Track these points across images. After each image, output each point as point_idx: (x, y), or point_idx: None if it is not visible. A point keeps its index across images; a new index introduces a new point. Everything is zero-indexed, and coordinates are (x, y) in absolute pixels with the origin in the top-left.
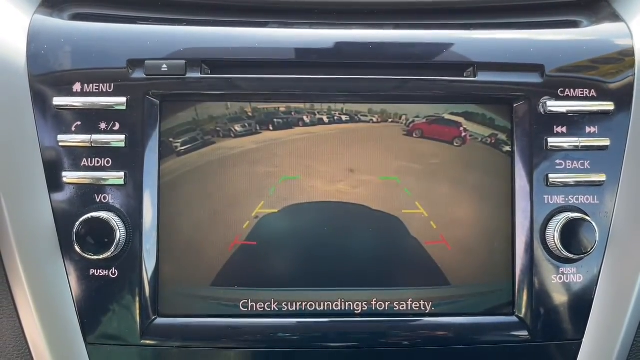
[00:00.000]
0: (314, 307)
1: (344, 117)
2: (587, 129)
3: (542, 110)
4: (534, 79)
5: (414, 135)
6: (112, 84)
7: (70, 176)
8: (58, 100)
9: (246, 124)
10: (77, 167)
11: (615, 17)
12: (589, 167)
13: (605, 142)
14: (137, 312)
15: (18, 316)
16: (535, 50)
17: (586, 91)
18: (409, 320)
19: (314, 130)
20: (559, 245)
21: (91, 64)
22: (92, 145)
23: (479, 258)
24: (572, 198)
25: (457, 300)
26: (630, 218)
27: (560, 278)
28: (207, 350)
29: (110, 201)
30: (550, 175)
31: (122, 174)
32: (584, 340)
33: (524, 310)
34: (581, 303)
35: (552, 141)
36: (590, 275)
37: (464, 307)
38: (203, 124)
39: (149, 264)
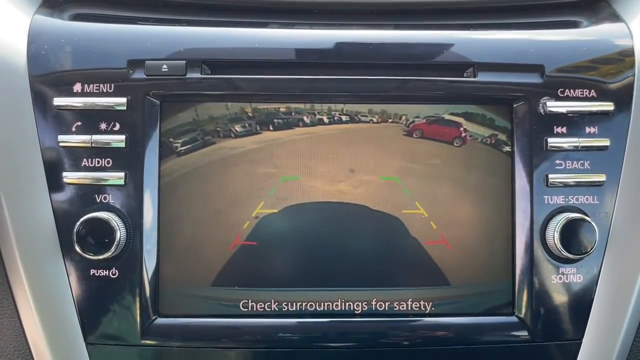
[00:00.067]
0: (314, 307)
1: (344, 118)
2: (587, 129)
3: (542, 111)
4: (533, 79)
5: (414, 136)
6: (113, 85)
7: (70, 176)
8: (58, 101)
9: (246, 124)
10: (77, 167)
11: (615, 18)
12: (588, 168)
13: (605, 142)
14: (138, 312)
15: (18, 316)
16: (535, 50)
17: (586, 91)
18: (409, 321)
19: (314, 131)
20: (559, 246)
21: (91, 65)
22: (93, 145)
23: (479, 258)
24: (572, 198)
25: (457, 300)
26: (630, 218)
27: (560, 278)
28: (208, 350)
29: (110, 201)
30: (550, 176)
31: (122, 174)
32: (583, 340)
33: (523, 310)
34: (581, 303)
35: (552, 141)
36: (590, 276)
37: (464, 307)
38: (203, 124)
39: (149, 264)
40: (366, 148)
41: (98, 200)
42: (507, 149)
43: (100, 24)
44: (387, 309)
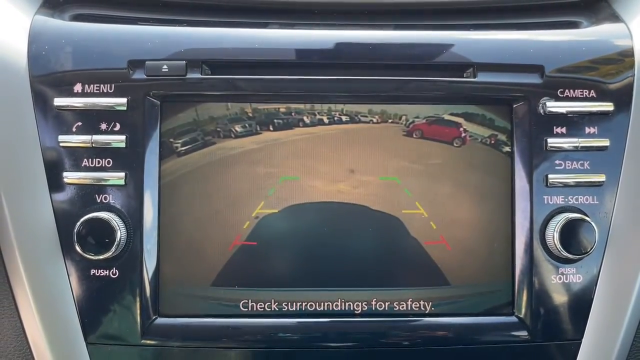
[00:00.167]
0: (314, 307)
1: (344, 118)
2: (587, 130)
3: (541, 111)
4: (533, 79)
5: (414, 136)
6: (113, 85)
7: (71, 176)
8: (59, 101)
9: (246, 125)
10: (77, 168)
11: (615, 18)
12: (588, 168)
13: (605, 142)
14: (138, 312)
15: (19, 316)
16: (535, 50)
17: (586, 92)
18: (409, 321)
19: (314, 131)
20: (559, 246)
21: (92, 65)
22: (93, 145)
23: (479, 258)
24: (572, 198)
25: (456, 300)
26: (630, 218)
27: (560, 278)
28: (208, 350)
29: (110, 201)
30: (550, 176)
31: (122, 174)
32: (583, 340)
33: (523, 310)
34: (581, 303)
35: (552, 142)
36: (589, 276)
37: (463, 307)
38: (203, 124)
39: (149, 264)
40: (366, 148)
41: (98, 200)
42: (507, 149)
43: (100, 24)
44: (387, 309)
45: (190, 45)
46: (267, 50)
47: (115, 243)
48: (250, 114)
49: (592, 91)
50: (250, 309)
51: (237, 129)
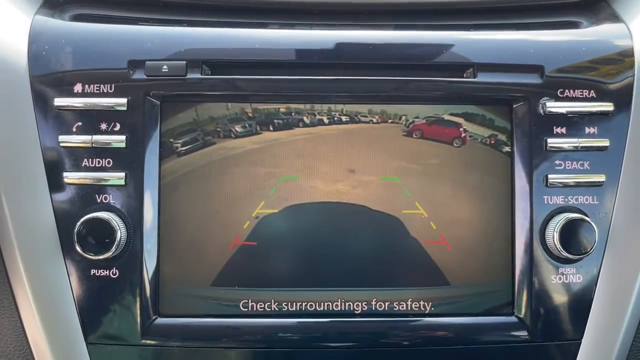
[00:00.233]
0: (314, 307)
1: (344, 118)
2: (587, 130)
3: (541, 111)
4: (533, 79)
5: (414, 136)
6: (113, 85)
7: (71, 176)
8: (59, 101)
9: (246, 125)
10: (78, 168)
11: (615, 18)
12: (588, 168)
13: (605, 142)
14: (138, 312)
15: (19, 316)
16: (535, 51)
17: (586, 92)
18: (409, 321)
19: (314, 131)
20: (559, 246)
21: (92, 65)
22: (93, 145)
23: (479, 258)
24: (572, 198)
25: (456, 300)
26: (630, 218)
27: (560, 278)
28: (208, 350)
29: (111, 201)
30: (550, 176)
31: (122, 174)
32: (583, 340)
33: (523, 310)
34: (581, 303)
35: (552, 142)
36: (589, 276)
37: (463, 307)
38: (203, 124)
39: (149, 264)
40: (366, 148)
41: (98, 200)
42: (507, 149)
43: (100, 24)
44: (386, 309)
45: (190, 45)
46: (267, 51)
47: (116, 243)
48: (250, 114)
49: (592, 91)
50: (250, 309)
51: (237, 129)
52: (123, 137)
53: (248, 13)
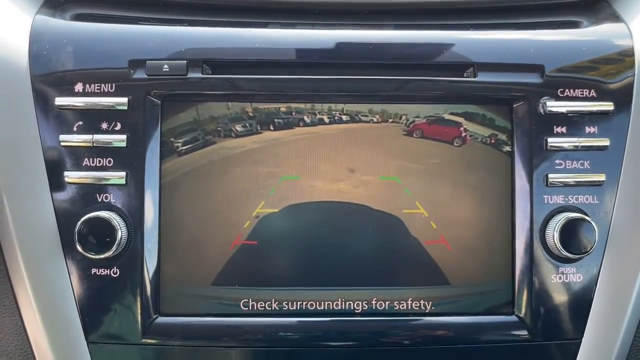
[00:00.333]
0: (314, 307)
1: (344, 117)
2: (587, 129)
3: (541, 111)
4: (533, 79)
5: (414, 136)
6: (114, 84)
7: (72, 176)
8: (60, 100)
9: (247, 124)
10: (78, 167)
11: (615, 18)
12: (588, 167)
13: (605, 142)
14: (139, 311)
15: (20, 315)
16: (535, 50)
17: (586, 91)
18: (409, 320)
19: (315, 130)
20: (559, 245)
21: (93, 64)
22: (94, 145)
23: (479, 258)
24: (572, 198)
25: (457, 299)
26: (630, 218)
27: (560, 278)
28: (208, 349)
29: (111, 201)
30: (550, 175)
31: (123, 173)
32: (583, 339)
33: (523, 309)
34: (581, 303)
35: (552, 141)
36: (589, 275)
37: (463, 306)
38: (204, 124)
39: (150, 263)
40: (366, 148)
41: (99, 200)
42: (507, 148)
43: (101, 24)
44: (387, 308)
45: (191, 44)
46: (267, 50)
47: (116, 242)
48: (251, 114)
49: (592, 91)
50: (250, 308)
51: (237, 128)
52: (124, 137)
53: (249, 13)
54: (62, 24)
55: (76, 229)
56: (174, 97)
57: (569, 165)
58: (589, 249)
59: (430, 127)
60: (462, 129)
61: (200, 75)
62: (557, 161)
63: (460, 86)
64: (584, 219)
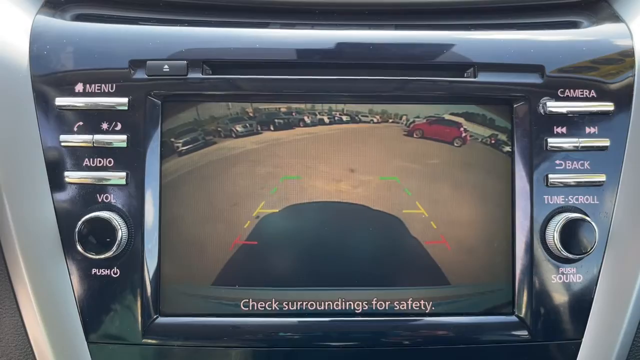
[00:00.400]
0: (314, 307)
1: (344, 118)
2: (587, 130)
3: (542, 111)
4: (534, 79)
5: (415, 136)
6: (114, 85)
7: (72, 176)
8: (60, 101)
9: (247, 124)
10: (79, 167)
11: (616, 18)
12: (588, 168)
13: (605, 142)
14: (139, 311)
15: (20, 315)
16: (536, 50)
17: (586, 92)
18: (410, 320)
19: (315, 131)
20: (559, 245)
21: (93, 65)
22: (94, 145)
23: (479, 258)
24: (572, 198)
25: (457, 299)
26: (630, 218)
27: (560, 278)
28: (208, 349)
29: (112, 201)
30: (550, 176)
31: (123, 173)
32: (583, 340)
33: (523, 310)
34: (581, 303)
35: (552, 141)
36: (590, 275)
37: (464, 306)
38: (204, 124)
39: (150, 264)
40: (366, 148)
41: (100, 200)
42: (507, 149)
43: (102, 24)
44: (387, 308)
45: (191, 45)
46: (267, 50)
47: (117, 242)
48: (251, 114)
49: (592, 91)
50: (250, 308)
51: (237, 128)
52: (124, 137)
53: (249, 13)
54: (62, 24)
55: (76, 229)
56: (174, 98)
57: (569, 166)
58: (589, 250)
59: (431, 128)
60: (462, 129)
61: (201, 76)
62: (558, 161)
63: (460, 86)
64: (584, 220)
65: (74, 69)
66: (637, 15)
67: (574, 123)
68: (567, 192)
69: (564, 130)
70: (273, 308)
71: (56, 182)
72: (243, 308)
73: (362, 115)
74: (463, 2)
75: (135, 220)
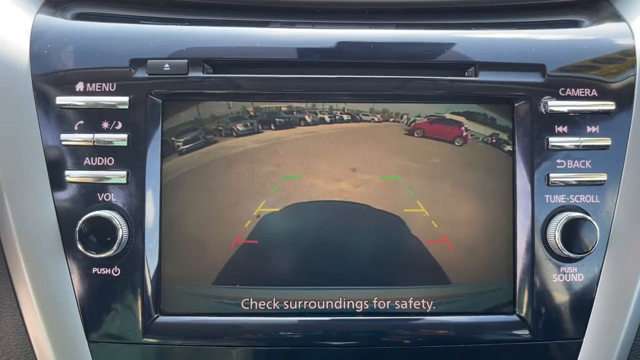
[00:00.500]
0: (315, 306)
1: (345, 117)
2: (588, 129)
3: (543, 110)
4: (535, 78)
5: (416, 135)
6: (115, 84)
7: (72, 175)
8: (61, 100)
9: (248, 123)
10: (79, 166)
11: (617, 17)
12: (590, 167)
13: (607, 141)
14: (139, 310)
15: (21, 314)
16: (537, 50)
17: (587, 91)
18: (410, 319)
19: (316, 130)
20: (560, 245)
21: (94, 64)
22: (95, 144)
23: (480, 257)
24: (573, 197)
25: (458, 299)
26: (631, 217)
27: (561, 277)
28: (209, 348)
29: (112, 200)
30: (551, 175)
31: (124, 172)
32: (584, 339)
33: (524, 309)
34: (582, 302)
35: (553, 140)
36: (591, 275)
37: (465, 306)
38: (205, 123)
39: (151, 263)
40: (367, 147)
41: (100, 199)
42: (508, 148)
43: (102, 23)
44: (388, 307)
45: (191, 44)
46: (268, 49)
47: (117, 241)
48: (252, 113)
49: (593, 90)
50: (251, 307)
51: (238, 127)
52: (125, 136)
53: (249, 12)
54: (63, 23)
55: (77, 228)
56: (175, 96)
57: (570, 165)
58: (590, 249)
59: (432, 127)
60: (463, 128)
61: (201, 75)
62: (559, 160)
63: (461, 85)
64: (585, 219)
65: (75, 68)
66: (638, 15)
67: (575, 122)
68: (568, 192)
69: (565, 129)
70: (274, 307)
71: (57, 181)
72: (244, 307)
73: (363, 115)
74: (464, 1)
75: (135, 219)
